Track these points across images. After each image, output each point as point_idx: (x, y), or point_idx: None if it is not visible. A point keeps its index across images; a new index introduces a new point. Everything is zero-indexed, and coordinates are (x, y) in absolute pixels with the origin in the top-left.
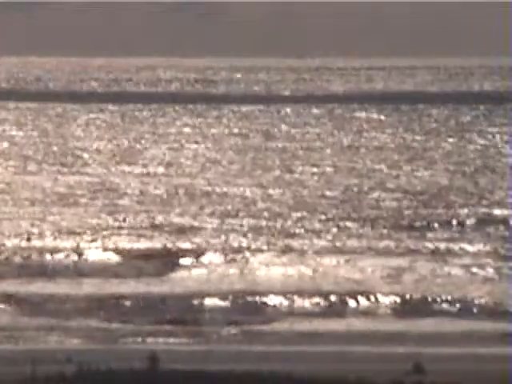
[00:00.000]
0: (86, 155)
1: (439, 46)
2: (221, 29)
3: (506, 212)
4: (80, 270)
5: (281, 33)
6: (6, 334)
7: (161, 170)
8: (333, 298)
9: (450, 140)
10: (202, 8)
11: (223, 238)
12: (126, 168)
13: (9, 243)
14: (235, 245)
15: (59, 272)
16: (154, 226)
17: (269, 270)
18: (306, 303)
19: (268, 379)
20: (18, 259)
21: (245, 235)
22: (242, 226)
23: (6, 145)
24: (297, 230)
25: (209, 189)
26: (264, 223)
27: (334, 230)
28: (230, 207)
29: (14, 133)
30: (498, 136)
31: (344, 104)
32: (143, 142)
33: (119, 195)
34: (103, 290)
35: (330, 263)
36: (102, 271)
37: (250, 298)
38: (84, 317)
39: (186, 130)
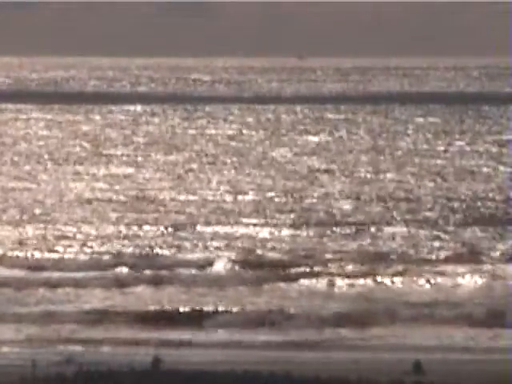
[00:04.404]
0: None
1: (439, 46)
2: (218, 28)
3: None
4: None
5: (280, 33)
6: None
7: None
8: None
9: (457, 143)
10: (200, 8)
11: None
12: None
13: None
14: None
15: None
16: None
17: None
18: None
19: (268, 379)
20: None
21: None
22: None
23: None
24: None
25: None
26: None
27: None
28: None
29: None
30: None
31: (344, 104)
32: (133, 143)
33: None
34: None
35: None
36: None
37: None
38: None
39: (181, 130)
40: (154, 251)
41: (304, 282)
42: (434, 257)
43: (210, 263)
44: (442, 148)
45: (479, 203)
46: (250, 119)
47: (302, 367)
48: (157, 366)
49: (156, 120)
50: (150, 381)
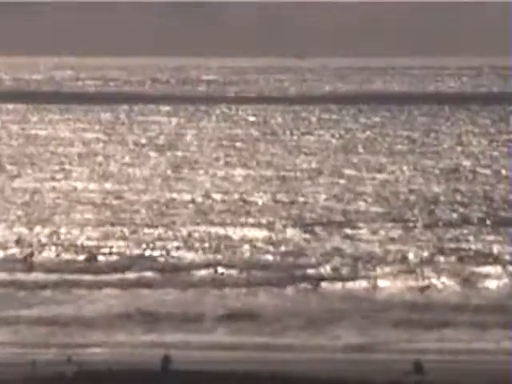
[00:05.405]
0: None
1: (439, 46)
2: (218, 29)
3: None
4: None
5: (280, 33)
6: None
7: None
8: None
9: (450, 142)
10: (199, 8)
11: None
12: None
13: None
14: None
15: None
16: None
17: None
18: None
19: (269, 379)
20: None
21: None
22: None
23: None
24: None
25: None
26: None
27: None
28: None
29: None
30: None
31: (344, 104)
32: (132, 143)
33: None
34: None
35: None
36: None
37: None
38: None
39: (181, 130)
40: (152, 252)
41: (300, 283)
42: (428, 258)
43: (206, 265)
44: (441, 148)
45: (478, 204)
46: (249, 119)
47: (302, 368)
48: (166, 366)
49: (156, 120)
50: (149, 381)
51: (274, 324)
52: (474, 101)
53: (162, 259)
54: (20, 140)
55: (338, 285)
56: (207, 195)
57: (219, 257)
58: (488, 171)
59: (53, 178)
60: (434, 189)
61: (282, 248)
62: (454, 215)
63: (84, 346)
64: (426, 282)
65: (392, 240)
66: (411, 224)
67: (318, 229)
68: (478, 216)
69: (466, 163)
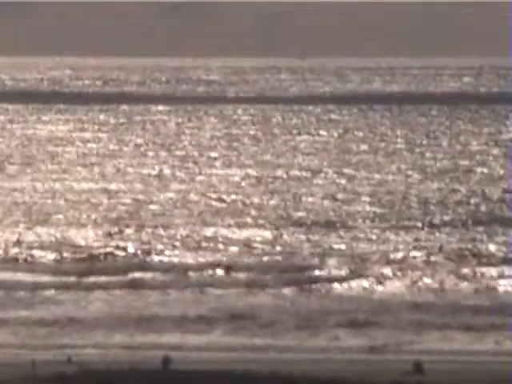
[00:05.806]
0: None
1: (439, 46)
2: (218, 29)
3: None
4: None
5: (280, 33)
6: None
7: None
8: None
9: (448, 141)
10: (199, 8)
11: None
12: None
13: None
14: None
15: None
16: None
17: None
18: None
19: (268, 379)
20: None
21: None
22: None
23: None
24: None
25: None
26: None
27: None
28: None
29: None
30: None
31: (344, 104)
32: (131, 144)
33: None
34: None
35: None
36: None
37: None
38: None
39: (181, 130)
40: (152, 252)
41: (299, 283)
42: (428, 258)
43: (205, 265)
44: (441, 148)
45: (477, 204)
46: (249, 118)
47: (302, 368)
48: (166, 366)
49: (156, 120)
50: (149, 380)
51: (274, 324)
52: (474, 101)
53: (161, 259)
54: (20, 140)
55: (337, 285)
56: (207, 195)
57: (219, 257)
58: (487, 171)
59: (52, 178)
60: (432, 188)
61: (281, 248)
62: (453, 215)
63: (84, 346)
64: (425, 282)
65: (391, 240)
66: (410, 224)
67: (317, 229)
68: (477, 216)
69: (466, 163)
